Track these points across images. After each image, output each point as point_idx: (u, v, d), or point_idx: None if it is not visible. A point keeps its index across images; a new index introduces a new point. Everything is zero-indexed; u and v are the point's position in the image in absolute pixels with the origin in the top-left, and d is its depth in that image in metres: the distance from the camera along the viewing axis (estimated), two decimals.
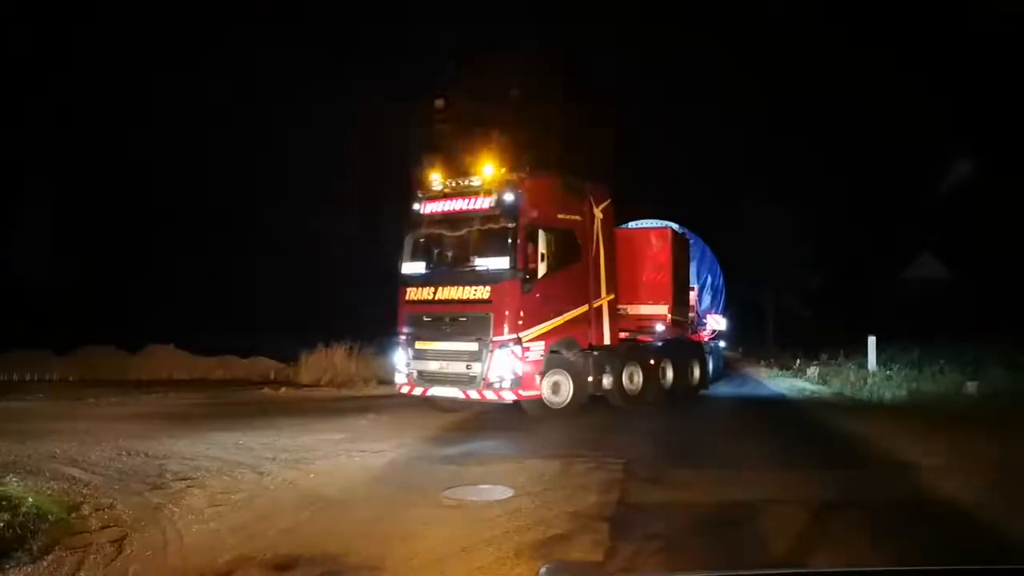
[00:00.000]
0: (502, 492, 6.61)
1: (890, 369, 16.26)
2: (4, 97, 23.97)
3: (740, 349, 29.13)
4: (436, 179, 11.45)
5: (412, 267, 11.71)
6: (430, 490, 6.68)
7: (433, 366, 11.17)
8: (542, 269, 10.90)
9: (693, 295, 16.10)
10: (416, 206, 11.65)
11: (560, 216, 11.37)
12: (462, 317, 10.92)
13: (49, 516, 5.65)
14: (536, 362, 10.72)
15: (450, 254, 11.56)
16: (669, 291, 13.57)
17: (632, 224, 15.93)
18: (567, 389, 11.19)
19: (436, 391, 11.12)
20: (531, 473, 7.34)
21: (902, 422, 11.71)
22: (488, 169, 10.93)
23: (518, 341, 10.46)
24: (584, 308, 11.59)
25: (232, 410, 11.86)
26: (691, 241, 17.68)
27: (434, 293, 11.25)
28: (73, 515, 5.72)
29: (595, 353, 11.75)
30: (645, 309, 13.60)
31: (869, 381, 15.34)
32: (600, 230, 12.02)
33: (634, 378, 12.61)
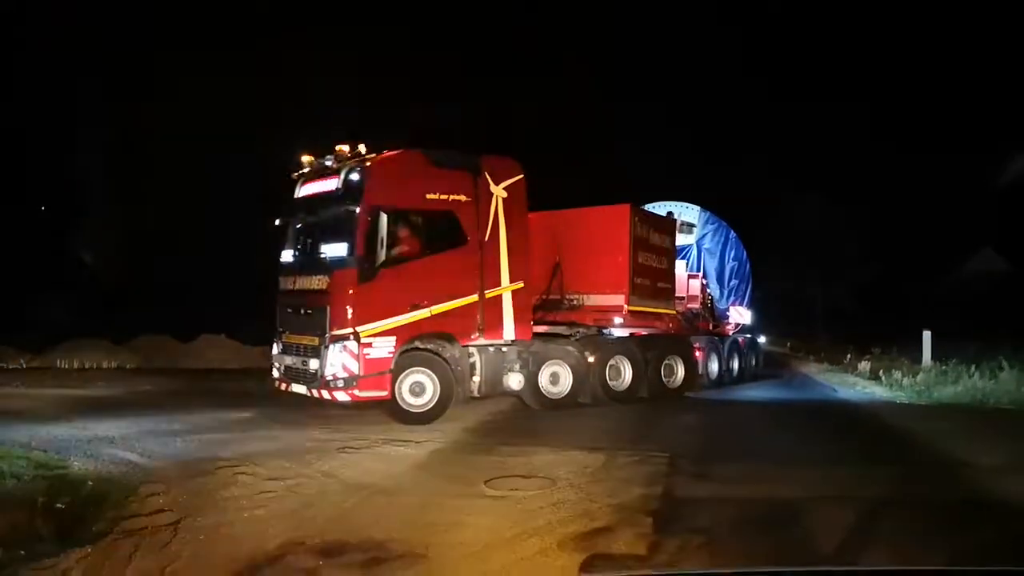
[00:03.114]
0: (545, 483, 6.62)
1: (946, 365, 15.78)
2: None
3: (788, 344, 28.66)
4: (305, 159, 10.51)
5: (285, 255, 10.82)
6: (473, 480, 6.73)
7: (288, 360, 10.42)
8: (394, 256, 9.69)
9: (696, 284, 15.29)
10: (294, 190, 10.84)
11: (429, 196, 10.07)
12: (308, 309, 10.03)
13: (107, 499, 5.86)
14: (380, 360, 9.48)
15: (310, 241, 10.52)
16: (626, 279, 12.24)
17: (650, 207, 15.36)
18: (432, 390, 9.92)
19: (294, 388, 10.19)
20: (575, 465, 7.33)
21: (956, 419, 11.39)
22: (345, 147, 9.97)
23: (355, 336, 9.34)
24: (470, 299, 10.28)
25: (274, 399, 12.07)
26: (713, 226, 16.87)
27: (293, 283, 10.48)
28: (130, 498, 5.92)
29: (491, 349, 10.64)
30: (599, 299, 12.40)
31: (922, 377, 14.91)
32: (502, 211, 10.63)
33: (560, 378, 11.44)
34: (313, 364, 9.72)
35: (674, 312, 13.94)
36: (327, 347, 9.43)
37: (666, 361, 13.29)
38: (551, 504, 5.96)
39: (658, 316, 13.42)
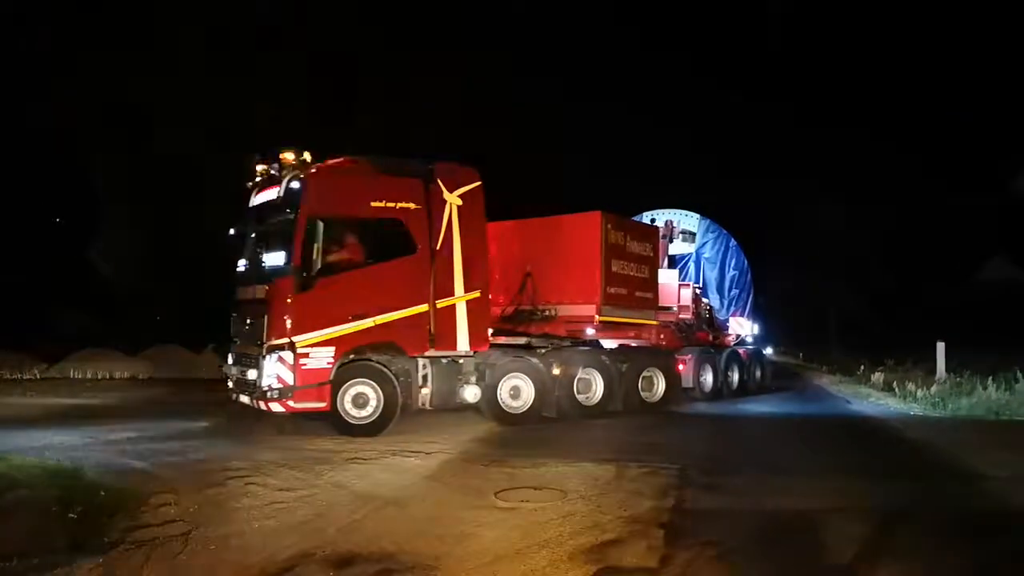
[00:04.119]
0: (555, 495, 6.59)
1: (960, 376, 15.64)
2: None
3: (801, 354, 28.49)
4: (259, 168, 10.34)
5: (239, 264, 10.64)
6: (483, 491, 6.71)
7: (235, 371, 10.34)
8: (335, 264, 9.58)
9: (687, 293, 14.80)
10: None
11: (374, 204, 9.86)
12: (251, 319, 9.93)
13: (119, 508, 5.88)
14: (318, 371, 9.31)
15: (257, 250, 10.36)
16: (597, 288, 11.92)
17: (649, 214, 15.21)
18: (376, 402, 9.72)
19: (242, 398, 10.02)
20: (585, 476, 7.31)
21: (970, 431, 11.28)
22: (289, 155, 9.82)
23: (291, 346, 9.19)
24: (419, 308, 10.00)
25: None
26: (714, 234, 16.65)
27: (243, 293, 10.37)
28: (142, 508, 5.94)
29: (443, 361, 10.36)
30: (571, 310, 12.05)
31: (936, 389, 14.77)
32: (457, 218, 10.35)
33: (521, 392, 11.03)
34: (252, 374, 9.64)
35: (656, 323, 13.44)
36: (264, 357, 9.29)
37: (644, 374, 12.79)
38: (561, 516, 5.94)
39: (638, 327, 13.02)
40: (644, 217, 17.14)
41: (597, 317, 11.89)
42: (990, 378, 14.43)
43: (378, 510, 6.15)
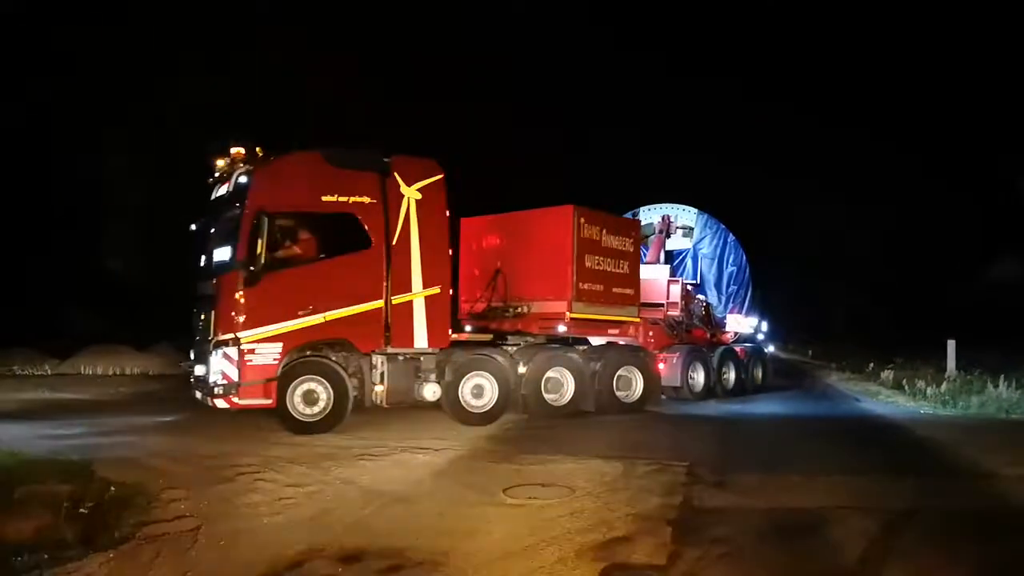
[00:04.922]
0: (563, 492, 6.60)
1: (970, 375, 15.55)
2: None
3: (810, 352, 28.43)
4: (219, 163, 10.22)
5: (200, 259, 10.49)
6: (492, 488, 6.72)
7: (191, 366, 10.31)
8: (282, 259, 9.51)
9: (676, 289, 14.24)
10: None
11: (325, 198, 9.71)
12: (204, 315, 9.86)
13: (130, 504, 5.92)
14: (263, 367, 9.20)
15: (212, 245, 10.21)
16: (568, 284, 11.51)
17: (646, 209, 14.97)
18: (325, 399, 9.60)
19: (198, 394, 9.96)
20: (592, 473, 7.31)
21: (980, 430, 11.21)
22: (241, 150, 9.78)
23: (236, 342, 9.11)
24: (373, 304, 9.83)
25: None
26: (712, 229, 16.32)
27: (200, 288, 10.29)
28: (152, 503, 5.98)
29: (400, 358, 10.16)
30: (543, 306, 11.68)
31: (946, 387, 14.70)
32: (416, 212, 10.13)
33: (484, 391, 10.74)
34: (200, 370, 9.64)
35: (638, 320, 12.94)
36: (211, 353, 9.23)
37: (620, 373, 12.23)
38: (570, 513, 5.94)
39: (620, 324, 12.54)
40: (641, 211, 16.86)
41: (568, 314, 11.52)
42: (1000, 376, 14.34)
43: (386, 506, 6.17)
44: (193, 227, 10.65)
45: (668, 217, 16.23)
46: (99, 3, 27.95)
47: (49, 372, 17.49)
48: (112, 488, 6.32)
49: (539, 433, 10.03)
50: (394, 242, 10.00)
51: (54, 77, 25.64)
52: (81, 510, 5.70)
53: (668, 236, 16.39)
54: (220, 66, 26.82)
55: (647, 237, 16.24)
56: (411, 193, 10.16)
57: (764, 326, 17.22)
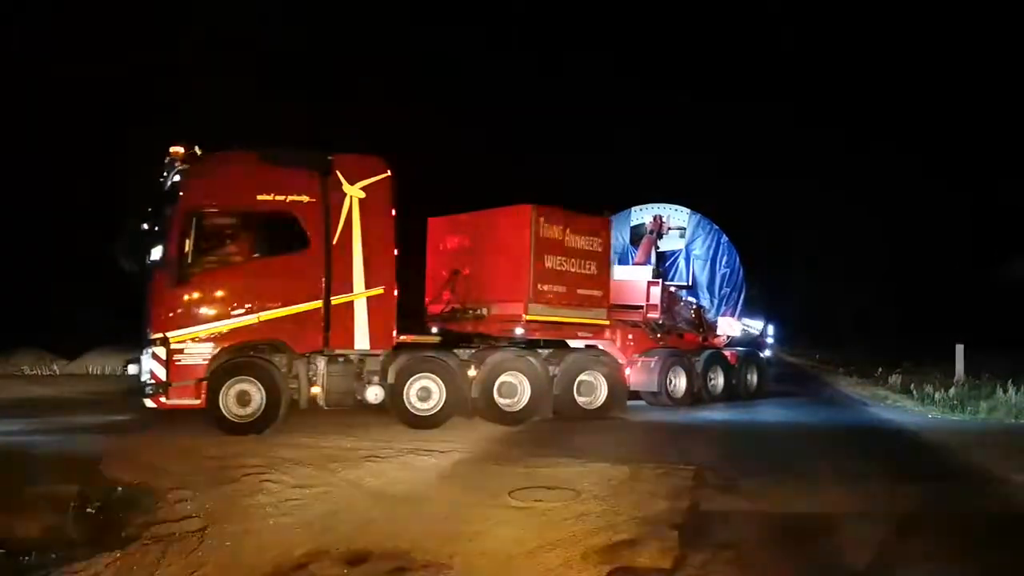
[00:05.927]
0: (569, 495, 6.59)
1: (979, 379, 15.46)
2: None
3: (817, 355, 28.34)
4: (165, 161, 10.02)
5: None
6: (497, 491, 6.71)
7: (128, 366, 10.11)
8: (214, 259, 9.45)
9: (656, 291, 13.53)
10: None
11: (261, 197, 9.55)
12: (143, 315, 9.70)
13: (137, 504, 5.95)
14: (192, 367, 9.12)
15: (151, 244, 9.89)
16: (525, 286, 11.03)
17: (637, 209, 14.52)
18: (259, 400, 9.43)
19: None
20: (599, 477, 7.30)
21: (990, 435, 11.13)
22: (179, 149, 9.54)
23: (164, 342, 9.03)
24: (311, 305, 9.65)
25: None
26: (704, 230, 15.80)
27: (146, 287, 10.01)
28: (159, 504, 6.00)
29: (340, 360, 9.93)
30: (501, 308, 11.23)
31: (955, 391, 14.62)
32: (358, 212, 9.89)
33: (431, 394, 10.31)
34: (132, 369, 9.59)
35: (606, 322, 12.27)
36: (143, 353, 9.23)
37: (581, 378, 11.57)
38: (575, 516, 5.93)
39: (586, 327, 11.96)
40: (632, 210, 16.37)
41: (525, 316, 11.04)
42: (1009, 381, 14.26)
43: (392, 508, 6.18)
44: (144, 226, 10.21)
45: (660, 217, 15.82)
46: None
47: (58, 372, 17.58)
48: (119, 488, 6.35)
49: (545, 436, 10.01)
50: (334, 242, 9.80)
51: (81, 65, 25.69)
52: (89, 510, 5.73)
53: (660, 237, 15.93)
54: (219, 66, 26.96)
55: (641, 237, 16.09)
56: (354, 192, 9.95)
57: (770, 329, 17.02)
